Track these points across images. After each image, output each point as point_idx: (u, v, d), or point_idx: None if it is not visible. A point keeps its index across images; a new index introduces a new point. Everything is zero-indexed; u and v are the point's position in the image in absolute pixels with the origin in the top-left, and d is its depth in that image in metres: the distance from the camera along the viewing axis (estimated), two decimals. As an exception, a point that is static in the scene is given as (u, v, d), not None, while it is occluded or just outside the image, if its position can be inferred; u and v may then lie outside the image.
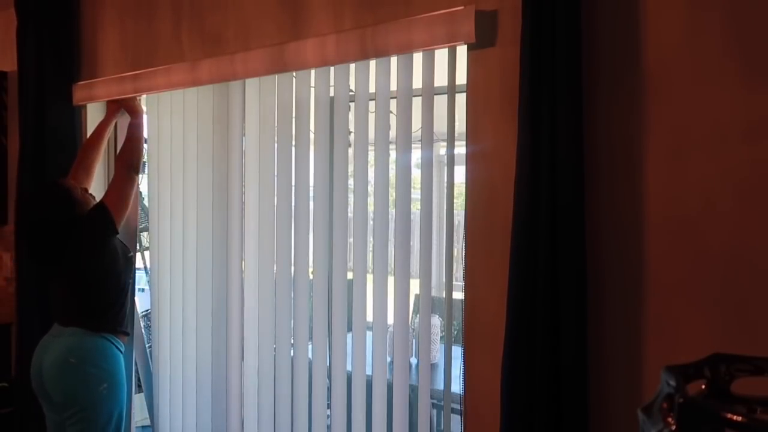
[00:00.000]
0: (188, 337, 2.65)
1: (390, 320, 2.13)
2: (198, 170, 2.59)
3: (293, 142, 2.31)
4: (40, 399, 2.38)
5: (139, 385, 3.01)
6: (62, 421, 2.30)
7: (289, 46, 2.14)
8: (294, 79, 2.30)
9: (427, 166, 2.07)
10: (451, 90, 1.91)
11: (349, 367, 2.22)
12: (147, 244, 3.08)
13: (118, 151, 2.66)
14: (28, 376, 2.40)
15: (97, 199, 2.48)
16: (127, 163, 2.47)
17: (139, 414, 3.15)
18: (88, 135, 2.86)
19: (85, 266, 2.37)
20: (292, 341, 2.36)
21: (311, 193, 2.29)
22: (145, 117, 2.74)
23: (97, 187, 2.72)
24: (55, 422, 2.34)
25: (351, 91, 2.18)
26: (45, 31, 2.88)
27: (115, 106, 2.71)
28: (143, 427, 3.21)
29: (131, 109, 2.65)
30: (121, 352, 2.40)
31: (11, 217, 3.25)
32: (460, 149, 1.89)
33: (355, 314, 2.18)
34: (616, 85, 1.59)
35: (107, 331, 2.34)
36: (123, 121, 2.77)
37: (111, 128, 2.73)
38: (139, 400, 3.08)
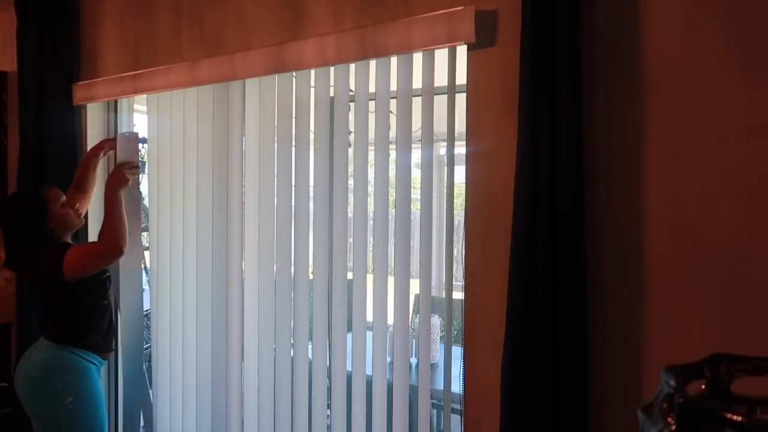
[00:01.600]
0: (188, 337, 2.65)
1: (390, 320, 2.13)
2: (198, 170, 2.59)
3: (293, 142, 2.31)
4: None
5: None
6: None
7: (289, 46, 2.14)
8: (294, 79, 2.29)
9: (427, 166, 2.07)
10: (451, 90, 1.91)
11: (349, 367, 2.22)
12: (147, 244, 3.07)
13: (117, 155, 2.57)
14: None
15: (87, 214, 2.41)
16: (103, 236, 2.34)
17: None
18: (88, 135, 2.86)
19: (43, 286, 2.31)
20: (292, 341, 2.36)
21: (311, 193, 2.29)
22: (145, 117, 2.74)
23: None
24: None
25: (351, 91, 2.18)
26: (45, 31, 2.88)
27: (96, 151, 2.59)
28: (143, 426, 3.20)
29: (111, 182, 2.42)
30: (94, 364, 2.31)
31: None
32: (460, 149, 1.89)
33: (355, 314, 2.18)
34: (616, 86, 1.59)
35: (74, 345, 2.27)
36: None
37: (98, 161, 2.61)
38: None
